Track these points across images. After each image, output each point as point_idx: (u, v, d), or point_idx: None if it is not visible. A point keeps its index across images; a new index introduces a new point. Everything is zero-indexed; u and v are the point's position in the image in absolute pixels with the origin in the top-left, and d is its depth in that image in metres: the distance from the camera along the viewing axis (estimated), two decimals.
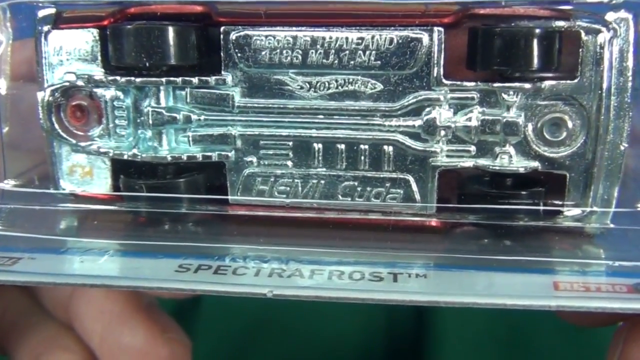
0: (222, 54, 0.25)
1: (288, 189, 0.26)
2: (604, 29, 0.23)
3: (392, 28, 0.24)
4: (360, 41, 0.24)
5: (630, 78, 0.24)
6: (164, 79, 0.25)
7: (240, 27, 0.25)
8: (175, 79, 0.25)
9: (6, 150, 0.27)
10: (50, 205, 0.26)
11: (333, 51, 0.25)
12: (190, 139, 0.26)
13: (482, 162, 0.25)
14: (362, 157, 0.25)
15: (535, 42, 0.23)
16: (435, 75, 0.24)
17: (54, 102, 0.27)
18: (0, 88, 0.28)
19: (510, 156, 0.25)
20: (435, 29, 0.24)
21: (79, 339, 0.29)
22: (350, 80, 0.25)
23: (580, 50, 0.24)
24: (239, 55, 0.25)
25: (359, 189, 0.26)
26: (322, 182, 0.26)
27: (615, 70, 0.24)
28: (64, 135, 0.27)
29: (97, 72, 0.26)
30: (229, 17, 0.25)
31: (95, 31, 0.26)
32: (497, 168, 0.25)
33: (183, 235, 0.26)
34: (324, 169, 0.26)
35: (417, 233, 0.25)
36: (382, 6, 0.24)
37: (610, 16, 0.23)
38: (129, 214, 0.27)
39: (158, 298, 0.32)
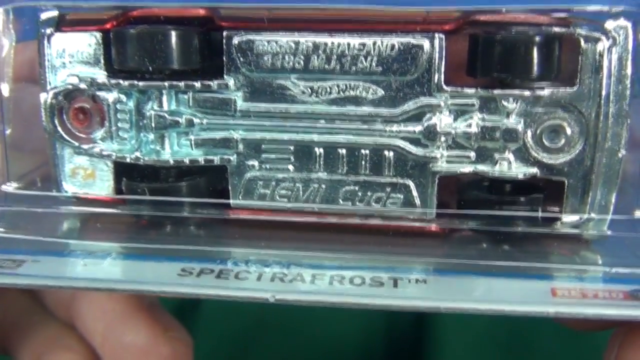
0: (224, 58, 0.25)
1: (289, 193, 0.26)
2: (603, 37, 0.24)
3: (394, 34, 0.24)
4: (361, 47, 0.25)
5: (628, 85, 0.24)
6: (166, 83, 0.25)
7: (242, 31, 0.25)
8: (177, 82, 0.25)
9: (9, 152, 0.27)
10: (53, 207, 0.27)
11: (335, 57, 0.25)
12: (193, 142, 0.26)
13: (482, 167, 0.25)
14: (363, 162, 0.26)
15: (535, 49, 0.24)
16: (436, 81, 0.25)
17: (56, 105, 0.27)
18: (4, 90, 0.28)
19: (510, 162, 0.25)
20: (437, 35, 0.24)
21: (81, 339, 0.29)
22: (352, 85, 0.25)
23: (580, 57, 0.24)
24: (241, 59, 0.25)
25: (359, 193, 0.26)
26: (323, 186, 0.26)
27: (614, 78, 0.24)
28: (67, 138, 0.27)
29: (100, 75, 0.26)
30: (231, 21, 0.25)
31: (98, 34, 0.26)
32: (497, 174, 0.25)
33: (185, 239, 0.26)
34: (325, 174, 0.26)
35: (417, 237, 0.26)
36: (384, 12, 0.24)
37: (609, 24, 0.24)
38: (131, 216, 0.27)
39: (159, 297, 0.32)
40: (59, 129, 0.27)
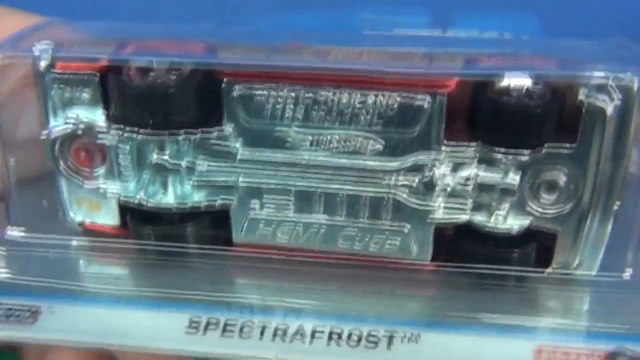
0: (224, 107, 0.25)
1: (290, 233, 0.27)
2: (605, 98, 0.23)
3: (395, 92, 0.24)
4: (362, 104, 0.24)
5: (628, 145, 0.24)
6: (166, 133, 0.25)
7: (242, 82, 0.25)
8: (178, 132, 0.26)
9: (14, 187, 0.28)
10: (60, 249, 0.27)
11: (335, 112, 0.25)
12: (194, 186, 0.27)
13: (478, 218, 0.26)
14: (362, 209, 0.26)
15: (536, 114, 0.23)
16: (435, 137, 0.25)
17: (57, 144, 0.27)
18: None
19: (505, 216, 0.25)
20: (438, 94, 0.24)
21: None
22: (352, 137, 0.25)
23: (581, 118, 0.24)
24: (240, 110, 0.25)
25: (358, 236, 0.27)
26: (323, 229, 0.27)
27: (614, 137, 0.24)
28: (70, 174, 0.27)
29: (99, 118, 0.26)
30: (231, 72, 0.25)
31: (96, 78, 0.26)
32: (491, 226, 0.26)
33: (191, 279, 0.27)
34: (325, 217, 0.27)
35: (411, 278, 0.27)
36: (385, 71, 0.24)
37: (611, 87, 0.23)
38: (137, 250, 0.28)
39: None
40: (62, 165, 0.27)
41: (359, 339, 0.24)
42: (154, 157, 0.26)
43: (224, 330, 0.25)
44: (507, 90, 0.24)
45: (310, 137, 0.25)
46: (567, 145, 0.24)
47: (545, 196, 0.25)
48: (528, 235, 0.26)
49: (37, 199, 0.28)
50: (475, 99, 0.24)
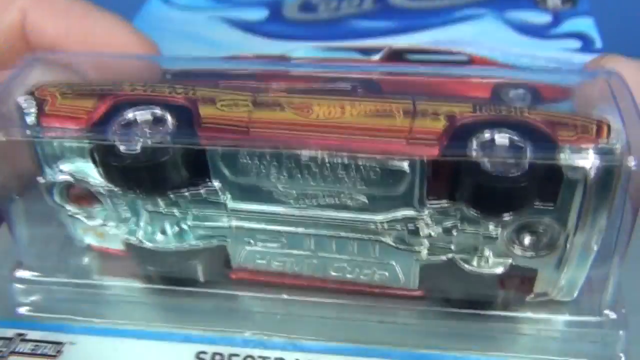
0: (210, 167, 0.26)
1: (283, 264, 0.29)
2: (587, 163, 0.23)
3: (378, 157, 0.24)
4: (345, 169, 0.25)
5: (608, 204, 0.24)
6: (157, 197, 0.26)
7: (225, 146, 0.25)
8: (169, 193, 0.26)
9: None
10: (71, 285, 0.30)
11: (318, 175, 0.25)
12: (191, 229, 0.28)
13: (461, 258, 0.27)
14: (351, 249, 0.27)
15: (515, 186, 0.23)
16: (418, 196, 0.25)
17: (55, 190, 0.28)
18: None
19: (487, 259, 0.26)
20: (418, 161, 0.24)
21: None
22: (337, 194, 0.26)
23: (562, 181, 0.24)
24: (226, 169, 0.26)
25: (348, 269, 0.28)
26: (315, 261, 0.28)
27: (595, 197, 0.24)
28: (72, 212, 0.29)
29: (91, 172, 0.27)
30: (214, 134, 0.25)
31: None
32: (474, 268, 0.27)
33: (196, 311, 0.29)
34: (316, 254, 0.28)
35: (397, 304, 0.29)
36: (367, 140, 0.24)
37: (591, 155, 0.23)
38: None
39: None
40: (63, 205, 0.28)
41: None
42: (149, 207, 0.27)
43: None
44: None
45: (295, 193, 0.26)
46: (550, 205, 0.24)
47: (526, 242, 0.26)
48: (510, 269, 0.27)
49: (46, 238, 0.30)
50: (457, 164, 0.24)
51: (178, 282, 0.29)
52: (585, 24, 0.46)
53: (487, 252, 0.26)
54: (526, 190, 0.24)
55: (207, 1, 0.51)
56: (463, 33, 0.45)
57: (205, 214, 0.27)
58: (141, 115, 0.26)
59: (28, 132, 0.26)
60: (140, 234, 0.28)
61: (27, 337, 0.29)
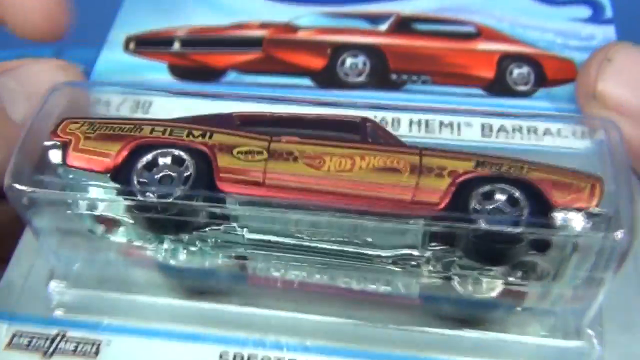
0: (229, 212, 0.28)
1: (296, 276, 0.31)
2: (577, 225, 0.25)
3: (382, 217, 0.26)
4: (353, 227, 0.27)
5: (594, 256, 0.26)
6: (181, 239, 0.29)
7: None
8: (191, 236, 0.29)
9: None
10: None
11: (329, 231, 0.27)
12: (211, 249, 0.30)
13: (458, 287, 0.29)
14: (357, 270, 0.30)
15: (508, 246, 0.26)
16: (421, 242, 0.27)
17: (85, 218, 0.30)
18: None
19: (483, 285, 0.29)
20: (421, 222, 0.26)
21: None
22: (346, 240, 0.28)
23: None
24: (244, 217, 0.28)
25: (355, 281, 0.31)
26: (325, 275, 0.31)
27: (583, 255, 0.26)
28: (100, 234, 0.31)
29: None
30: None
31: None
32: (470, 294, 0.29)
33: (219, 315, 0.32)
34: (326, 270, 0.31)
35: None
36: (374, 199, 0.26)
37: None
38: None
39: None
40: (92, 230, 0.31)
41: None
42: (170, 243, 0.30)
43: None
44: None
45: (306, 232, 0.28)
46: (541, 254, 0.27)
47: (518, 275, 0.28)
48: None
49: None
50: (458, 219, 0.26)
51: (203, 292, 0.32)
52: None
53: (482, 279, 0.29)
54: (520, 248, 0.26)
55: None
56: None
57: (225, 244, 0.30)
58: (162, 159, 0.27)
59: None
60: (162, 253, 0.31)
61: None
